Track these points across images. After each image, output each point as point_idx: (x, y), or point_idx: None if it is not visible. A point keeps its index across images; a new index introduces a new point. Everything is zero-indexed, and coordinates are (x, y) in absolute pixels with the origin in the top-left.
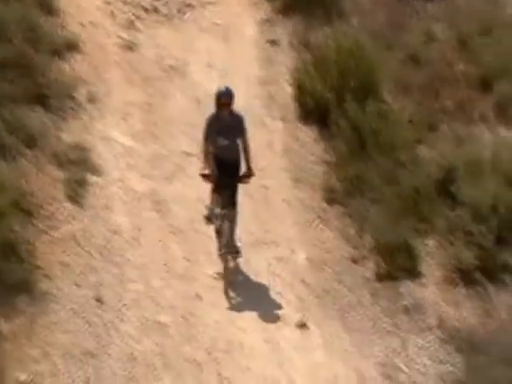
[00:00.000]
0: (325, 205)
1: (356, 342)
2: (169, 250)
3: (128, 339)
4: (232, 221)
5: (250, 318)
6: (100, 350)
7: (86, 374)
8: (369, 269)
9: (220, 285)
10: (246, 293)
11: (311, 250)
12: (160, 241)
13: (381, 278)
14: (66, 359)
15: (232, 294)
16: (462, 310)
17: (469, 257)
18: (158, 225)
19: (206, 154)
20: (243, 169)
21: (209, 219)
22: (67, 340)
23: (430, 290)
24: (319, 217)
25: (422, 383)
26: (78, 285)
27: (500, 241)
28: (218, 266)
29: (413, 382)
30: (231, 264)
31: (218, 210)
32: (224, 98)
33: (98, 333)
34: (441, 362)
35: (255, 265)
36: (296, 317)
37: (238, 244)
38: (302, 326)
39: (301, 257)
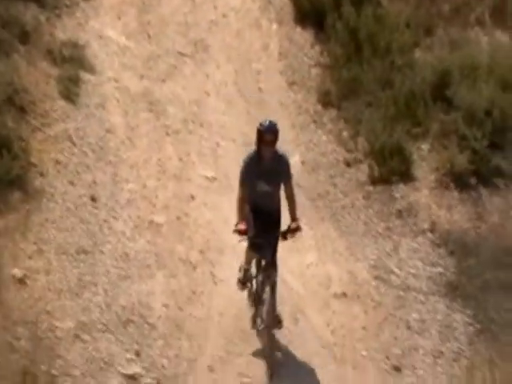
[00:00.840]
0: (320, 108)
1: (349, 245)
2: (163, 151)
3: (122, 238)
4: (274, 286)
5: None
6: (94, 248)
7: (80, 271)
8: (363, 172)
9: (214, 185)
10: None
11: (306, 153)
12: (155, 141)
13: (374, 181)
14: (60, 256)
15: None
16: (455, 214)
17: (462, 161)
18: (152, 125)
19: (242, 203)
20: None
21: (243, 283)
22: (61, 237)
23: (423, 193)
24: (314, 120)
25: (414, 285)
26: (72, 183)
27: (493, 145)
28: (213, 170)
29: (404, 283)
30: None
31: (254, 273)
32: (268, 136)
33: (92, 231)
34: (432, 264)
35: None
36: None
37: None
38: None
39: (295, 160)
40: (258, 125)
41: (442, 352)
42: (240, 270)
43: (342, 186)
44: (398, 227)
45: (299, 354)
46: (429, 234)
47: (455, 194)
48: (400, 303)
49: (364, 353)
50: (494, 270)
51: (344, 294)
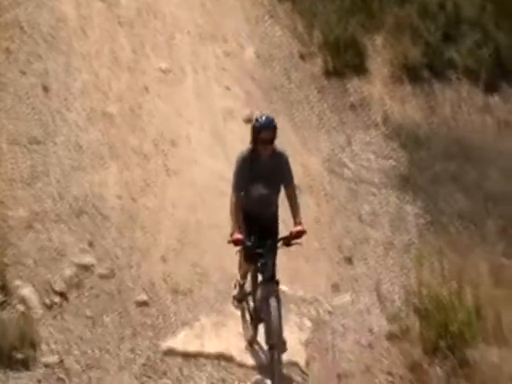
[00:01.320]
0: (275, 1)
1: (302, 138)
2: (117, 42)
3: (75, 128)
4: (278, 303)
5: (197, 111)
6: (46, 139)
7: (32, 162)
8: (317, 65)
9: (168, 77)
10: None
11: (260, 45)
12: (108, 32)
13: (328, 74)
14: (12, 146)
15: None
16: (407, 107)
17: (415, 54)
18: (105, 16)
19: (236, 209)
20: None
21: (239, 301)
22: (13, 127)
23: (376, 86)
24: (269, 12)
25: (366, 178)
26: (23, 72)
27: (446, 38)
28: (167, 62)
29: (357, 176)
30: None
31: (250, 288)
32: (265, 133)
33: (44, 121)
34: (385, 157)
35: (204, 59)
36: (243, 112)
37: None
38: (249, 121)
39: (250, 52)
40: (253, 121)
41: (392, 243)
42: (235, 287)
43: (297, 80)
44: (352, 121)
45: None
46: (381, 127)
47: (408, 87)
48: (352, 196)
49: (317, 245)
50: (445, 161)
51: (297, 187)
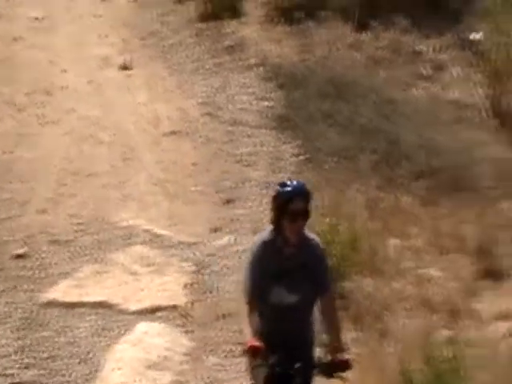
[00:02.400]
0: None
1: (179, 83)
2: None
3: None
4: None
5: (72, 59)
6: None
7: None
8: (193, 9)
9: (42, 25)
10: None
11: None
12: None
13: (204, 18)
14: None
15: None
16: (283, 47)
17: None
18: None
19: (251, 313)
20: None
21: None
22: None
23: (252, 28)
24: None
25: (243, 120)
26: None
27: None
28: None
29: (234, 118)
30: None
31: None
32: (297, 203)
33: None
34: (261, 98)
35: (79, 6)
36: (119, 59)
37: None
38: (125, 67)
39: None
40: (275, 188)
41: (270, 183)
42: None
43: (172, 24)
44: (228, 63)
45: (131, 192)
46: (258, 69)
47: (283, 27)
48: (229, 138)
49: (195, 188)
50: (320, 100)
51: (174, 132)
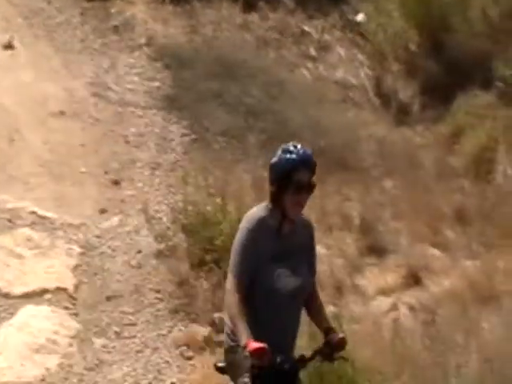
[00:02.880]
0: None
1: (65, 63)
2: None
3: None
4: None
5: None
6: None
7: None
8: None
9: None
10: None
11: None
12: None
13: None
14: None
15: None
16: (170, 28)
17: None
18: None
19: (242, 307)
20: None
21: None
22: None
23: (139, 8)
24: None
25: (131, 100)
26: None
27: None
28: None
29: (122, 99)
30: None
31: None
32: (301, 173)
33: None
34: (149, 79)
35: None
36: (3, 38)
37: None
38: (9, 46)
39: None
40: (276, 154)
41: (159, 163)
42: None
43: (58, 3)
44: (115, 43)
45: (16, 173)
46: (145, 49)
47: (171, 7)
48: (118, 119)
49: (83, 169)
50: (208, 80)
51: (62, 112)
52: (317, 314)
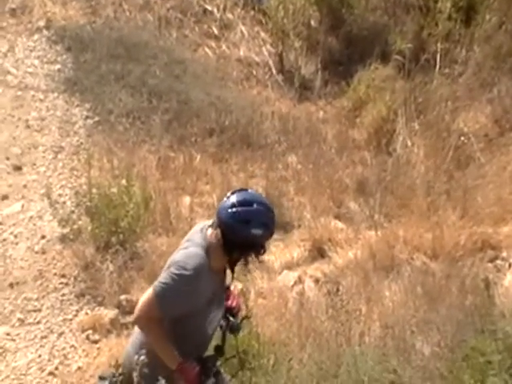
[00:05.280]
0: None
1: None
2: None
3: None
4: None
5: None
6: None
7: None
8: None
9: None
10: None
11: None
12: None
13: None
14: None
15: None
16: (70, 9)
17: None
18: None
19: (163, 336)
20: None
21: None
22: None
23: None
24: None
25: (32, 84)
26: None
27: None
28: None
29: (22, 83)
30: None
31: None
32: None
33: None
34: (50, 62)
35: None
36: None
37: None
38: None
39: None
40: (240, 219)
41: (62, 147)
42: None
43: None
44: (13, 26)
45: None
46: (45, 32)
47: None
48: (18, 103)
49: None
50: (110, 62)
51: None
52: None
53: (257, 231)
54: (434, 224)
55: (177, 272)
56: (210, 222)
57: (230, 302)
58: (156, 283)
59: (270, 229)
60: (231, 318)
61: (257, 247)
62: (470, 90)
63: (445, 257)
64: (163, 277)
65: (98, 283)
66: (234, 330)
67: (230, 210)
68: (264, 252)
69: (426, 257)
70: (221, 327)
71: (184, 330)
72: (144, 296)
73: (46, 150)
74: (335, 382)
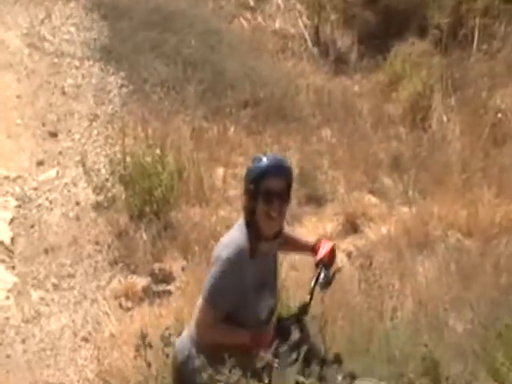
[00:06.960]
0: None
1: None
2: None
3: None
4: None
5: None
6: None
7: None
8: None
9: None
10: None
11: None
12: None
13: None
14: None
15: None
16: None
17: None
18: None
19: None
20: None
21: None
22: None
23: None
24: None
25: (68, 51)
26: None
27: None
28: None
29: (58, 50)
30: None
31: None
32: (272, 181)
33: None
34: (86, 29)
35: None
36: None
37: None
38: None
39: None
40: (251, 163)
41: (97, 115)
42: None
43: None
44: None
45: None
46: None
47: None
48: (55, 70)
49: (19, 121)
50: (146, 31)
51: None
52: (294, 243)
53: (252, 165)
54: (469, 201)
55: (215, 269)
56: None
57: (321, 253)
58: (203, 288)
59: (265, 162)
60: (323, 270)
61: (257, 186)
62: (508, 67)
63: (479, 234)
64: (207, 280)
65: (131, 251)
66: (325, 283)
67: None
68: (269, 198)
69: (460, 234)
70: (316, 280)
71: (237, 321)
72: (197, 308)
73: (81, 117)
74: (366, 357)
